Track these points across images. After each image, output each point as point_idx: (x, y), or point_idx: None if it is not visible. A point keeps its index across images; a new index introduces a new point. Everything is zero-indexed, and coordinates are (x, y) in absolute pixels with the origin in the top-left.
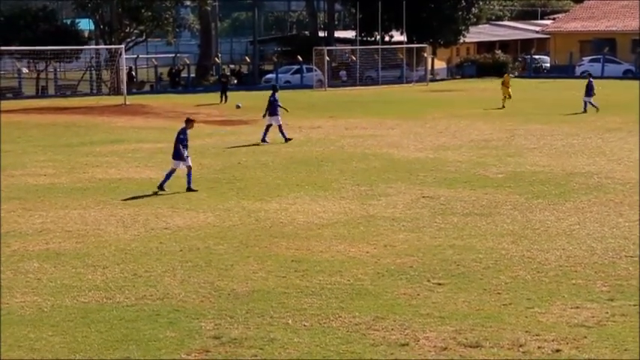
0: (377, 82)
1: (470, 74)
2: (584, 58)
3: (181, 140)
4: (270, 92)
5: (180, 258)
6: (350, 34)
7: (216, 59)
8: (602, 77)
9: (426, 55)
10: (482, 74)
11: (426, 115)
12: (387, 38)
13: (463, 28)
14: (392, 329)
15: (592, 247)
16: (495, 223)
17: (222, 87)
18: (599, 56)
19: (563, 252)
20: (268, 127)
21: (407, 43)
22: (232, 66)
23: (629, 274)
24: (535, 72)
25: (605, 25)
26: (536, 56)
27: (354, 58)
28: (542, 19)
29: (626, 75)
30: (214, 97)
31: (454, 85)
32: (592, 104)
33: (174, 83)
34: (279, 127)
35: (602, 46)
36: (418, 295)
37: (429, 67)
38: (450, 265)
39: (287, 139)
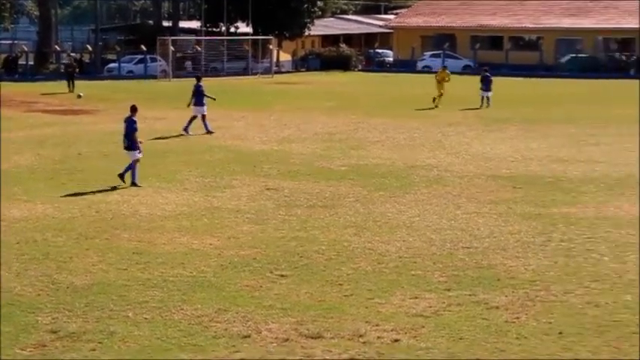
0: (222, 73)
1: (314, 67)
2: (425, 53)
3: (135, 129)
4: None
5: (17, 250)
6: (195, 24)
7: (57, 47)
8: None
9: (271, 47)
10: (327, 67)
11: (271, 107)
12: (232, 29)
13: (308, 21)
14: (234, 321)
15: (431, 238)
16: (338, 215)
17: (69, 76)
18: (439, 51)
19: (403, 243)
20: (193, 117)
21: (252, 34)
22: (73, 54)
23: (465, 264)
24: (378, 66)
25: (445, 21)
26: (380, 50)
27: (199, 48)
28: (385, 13)
29: (465, 70)
30: (54, 85)
31: (299, 77)
32: (488, 99)
33: (11, 71)
34: (203, 117)
35: (443, 41)
36: (261, 286)
37: (275, 60)
38: (293, 256)
39: (209, 132)
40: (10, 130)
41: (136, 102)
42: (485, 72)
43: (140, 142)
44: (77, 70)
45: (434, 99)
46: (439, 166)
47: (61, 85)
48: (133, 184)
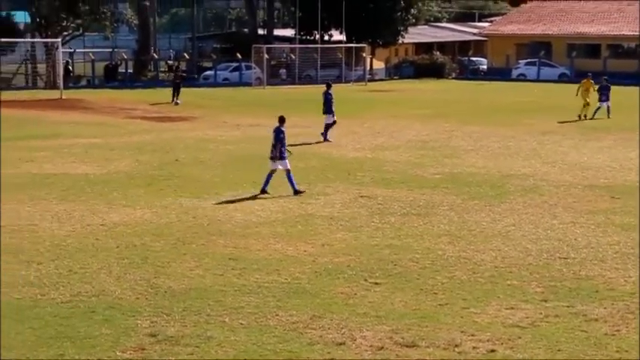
0: (316, 80)
1: (408, 75)
2: (520, 61)
3: (282, 139)
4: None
5: (117, 255)
6: (289, 32)
7: (155, 55)
8: (538, 80)
9: (364, 54)
10: (420, 75)
11: (364, 114)
12: (326, 37)
13: (402, 28)
14: (329, 328)
15: (527, 248)
16: (432, 223)
17: (175, 86)
18: (535, 59)
19: (498, 253)
20: (327, 125)
21: (346, 42)
22: (170, 62)
23: (562, 275)
24: (472, 74)
25: (541, 28)
26: (474, 58)
27: (293, 56)
28: (479, 21)
29: (562, 78)
30: (152, 92)
31: (392, 85)
32: (608, 108)
33: (111, 78)
34: (329, 125)
35: (538, 49)
36: (355, 294)
37: (368, 67)
38: (387, 264)
39: (325, 140)
40: (110, 136)
41: (231, 109)
42: (606, 81)
43: (289, 152)
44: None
45: (579, 115)
46: (535, 175)
47: (160, 93)
48: (296, 192)
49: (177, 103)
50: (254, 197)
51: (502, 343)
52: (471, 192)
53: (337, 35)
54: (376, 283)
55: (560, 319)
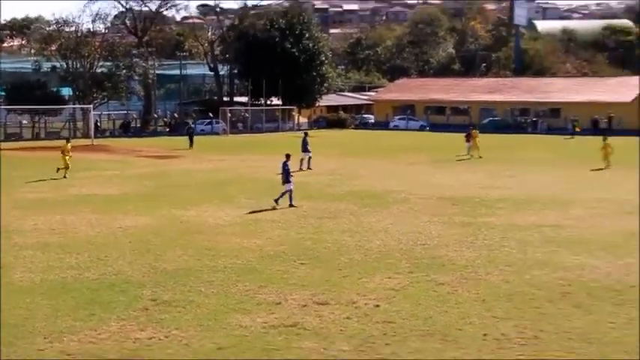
0: (262, 130)
1: (322, 126)
2: (395, 117)
3: (287, 170)
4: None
5: (129, 247)
6: (244, 98)
7: (155, 115)
8: (406, 129)
9: (294, 113)
10: (331, 126)
11: (296, 153)
12: (268, 102)
13: (318, 96)
14: (270, 293)
15: (399, 238)
16: (338, 223)
17: (190, 135)
18: (404, 116)
19: (381, 242)
20: (302, 160)
21: (282, 105)
22: (166, 119)
23: (422, 255)
24: (364, 125)
25: (408, 95)
26: (365, 115)
27: (247, 114)
28: (368, 91)
29: (422, 129)
30: (153, 140)
31: (313, 133)
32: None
33: (126, 130)
34: (307, 159)
35: (406, 109)
36: (288, 271)
37: (296, 121)
38: (309, 251)
39: (308, 168)
40: (125, 169)
41: (206, 150)
42: (473, 128)
43: (292, 176)
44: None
45: (472, 155)
46: (405, 191)
47: (158, 140)
48: (291, 205)
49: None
50: (220, 208)
51: (383, 300)
52: (364, 202)
53: (276, 100)
54: (302, 263)
55: (420, 284)
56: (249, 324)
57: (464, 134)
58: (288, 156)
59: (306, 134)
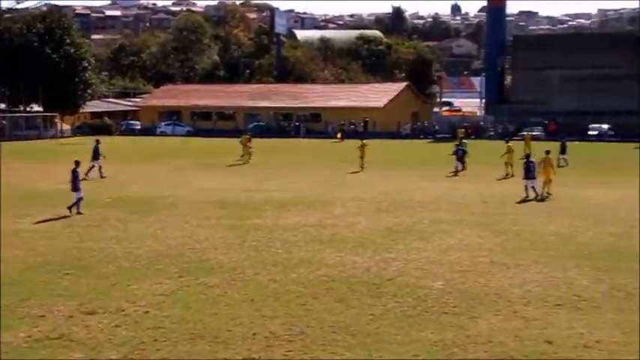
0: (21, 138)
1: (87, 132)
2: (162, 123)
3: (77, 176)
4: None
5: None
6: (2, 105)
7: None
8: (173, 135)
9: (57, 120)
10: (96, 133)
11: (58, 161)
12: (28, 108)
13: (81, 102)
14: (33, 306)
15: (168, 243)
16: (106, 230)
17: None
18: (170, 122)
19: (150, 248)
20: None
21: (44, 112)
22: None
23: (191, 259)
24: (130, 131)
25: (175, 101)
26: (132, 121)
27: (4, 121)
28: (134, 97)
29: (188, 134)
30: None
31: (75, 140)
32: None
33: None
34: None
35: (173, 115)
36: (53, 281)
37: (59, 128)
38: (75, 260)
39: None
40: None
41: None
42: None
43: (80, 182)
44: None
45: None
46: (173, 196)
47: None
48: (78, 212)
49: None
50: None
51: (153, 306)
52: (132, 209)
53: (37, 107)
54: (67, 273)
55: (190, 288)
56: (10, 340)
57: (239, 139)
58: (77, 163)
59: (97, 142)
